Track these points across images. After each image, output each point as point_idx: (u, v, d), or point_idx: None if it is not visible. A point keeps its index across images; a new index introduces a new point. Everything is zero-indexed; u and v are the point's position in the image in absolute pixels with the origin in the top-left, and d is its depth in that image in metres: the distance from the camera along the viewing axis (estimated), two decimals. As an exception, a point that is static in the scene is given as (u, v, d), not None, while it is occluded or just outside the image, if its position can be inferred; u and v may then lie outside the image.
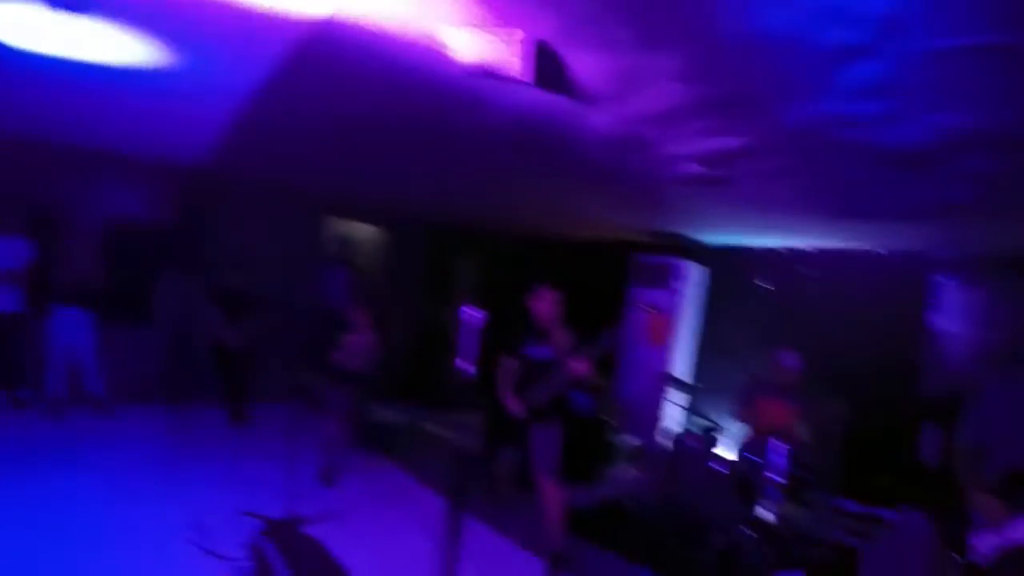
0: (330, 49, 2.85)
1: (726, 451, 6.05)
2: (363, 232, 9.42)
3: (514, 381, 4.66)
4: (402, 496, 5.43)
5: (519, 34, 2.41)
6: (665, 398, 6.20)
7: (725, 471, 5.13)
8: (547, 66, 2.61)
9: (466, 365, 2.29)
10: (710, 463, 5.37)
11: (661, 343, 7.42)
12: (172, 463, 5.19)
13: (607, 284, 8.12)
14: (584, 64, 2.64)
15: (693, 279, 7.64)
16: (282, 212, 7.51)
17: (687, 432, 6.38)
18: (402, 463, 6.25)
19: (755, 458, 5.21)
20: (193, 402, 6.65)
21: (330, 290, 7.93)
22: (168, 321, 6.65)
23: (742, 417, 5.87)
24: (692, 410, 6.55)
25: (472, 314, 2.43)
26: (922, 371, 6.27)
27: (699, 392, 7.45)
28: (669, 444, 6.10)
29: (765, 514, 5.46)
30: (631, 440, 7.12)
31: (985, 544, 3.07)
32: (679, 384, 6.03)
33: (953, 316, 6.22)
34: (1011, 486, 3.03)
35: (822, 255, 6.92)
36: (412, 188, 5.84)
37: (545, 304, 4.45)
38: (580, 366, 4.20)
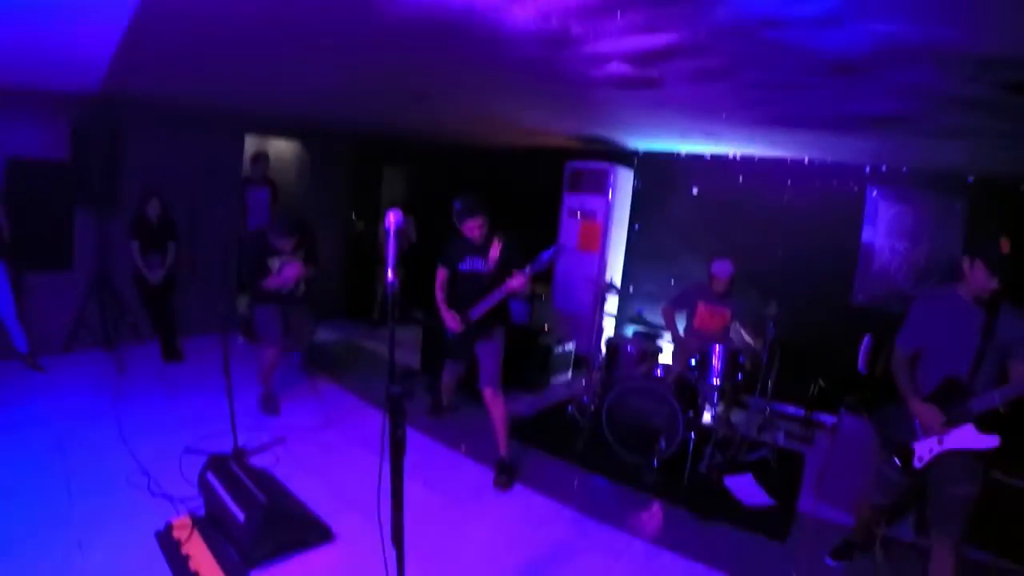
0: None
1: (664, 356, 6.20)
2: (282, 148, 8.96)
3: (449, 294, 4.64)
4: (347, 416, 5.38)
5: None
6: (601, 304, 6.23)
7: (664, 376, 5.15)
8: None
9: (391, 277, 2.24)
10: (649, 368, 5.40)
11: (594, 249, 7.45)
12: (110, 409, 4.93)
13: (539, 191, 8.07)
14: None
15: (624, 185, 7.62)
16: (194, 135, 6.96)
17: (624, 337, 6.44)
18: (344, 383, 6.18)
19: (693, 363, 5.32)
20: (123, 344, 6.31)
21: (253, 211, 7.64)
22: (87, 262, 6.28)
23: (669, 315, 5.98)
24: (628, 315, 6.66)
25: (393, 218, 2.35)
26: (854, 280, 6.51)
27: (634, 297, 7.60)
28: (607, 350, 6.14)
29: (707, 419, 5.64)
30: (570, 347, 7.18)
31: (923, 449, 3.25)
32: (614, 290, 6.07)
33: (884, 228, 6.43)
34: (946, 393, 3.19)
35: (754, 162, 6.97)
36: (330, 97, 5.54)
37: (474, 228, 4.34)
38: (517, 283, 4.18)
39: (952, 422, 3.13)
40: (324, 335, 7.24)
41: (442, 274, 4.66)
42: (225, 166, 7.42)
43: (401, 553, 2.53)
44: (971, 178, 5.90)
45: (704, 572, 3.78)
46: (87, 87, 5.23)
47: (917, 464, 3.27)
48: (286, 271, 4.97)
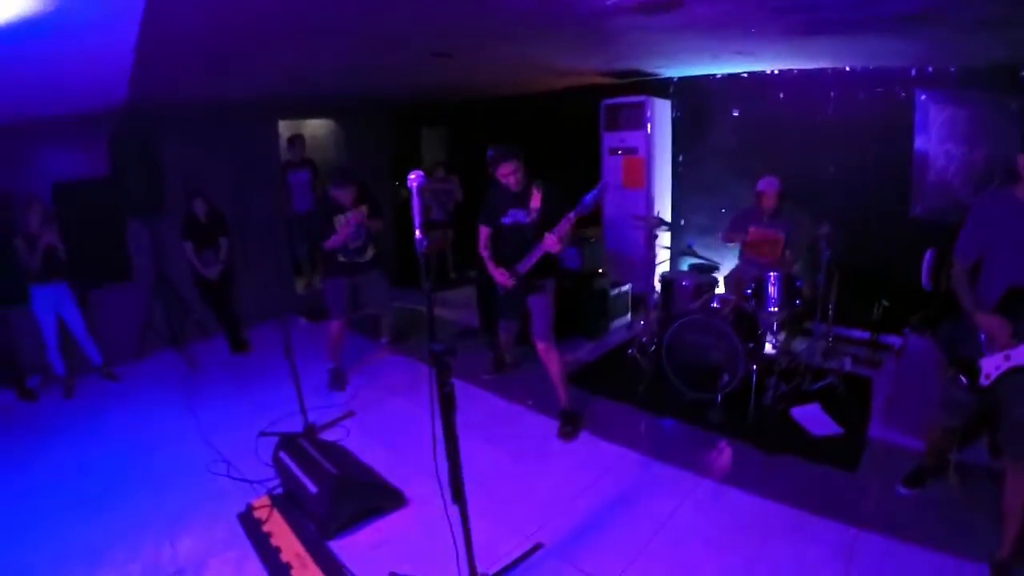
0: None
1: (720, 288, 6.09)
2: (317, 128, 9.03)
3: (495, 251, 4.58)
4: (412, 383, 5.51)
5: None
6: (652, 241, 6.16)
7: (721, 308, 5.05)
8: None
9: (419, 235, 2.24)
10: (705, 301, 5.32)
11: (639, 186, 7.31)
12: (185, 405, 5.22)
13: (578, 132, 7.92)
14: None
15: (662, 116, 7.42)
16: (228, 128, 7.07)
17: (678, 272, 6.35)
18: (405, 350, 6.30)
19: (749, 292, 5.22)
20: (191, 342, 6.60)
21: (296, 194, 7.73)
22: (145, 269, 6.46)
23: (729, 237, 5.89)
24: (680, 250, 6.56)
25: (413, 178, 2.34)
26: (911, 192, 6.25)
27: (685, 231, 7.49)
28: (661, 287, 6.08)
29: (769, 349, 5.56)
30: (626, 289, 7.12)
31: (990, 366, 3.13)
32: (664, 225, 5.98)
33: (937, 134, 6.10)
34: (1011, 303, 3.01)
35: (793, 76, 6.66)
36: (354, 70, 5.52)
37: (509, 174, 4.26)
38: (551, 244, 4.09)
39: (1020, 335, 2.93)
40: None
41: (484, 232, 4.59)
42: (263, 154, 7.54)
43: (464, 511, 2.63)
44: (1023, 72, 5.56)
45: (773, 508, 3.76)
46: (114, 101, 5.34)
47: (984, 382, 3.06)
48: (350, 219, 5.04)
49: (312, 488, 3.29)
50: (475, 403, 5.04)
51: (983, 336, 3.10)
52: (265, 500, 3.51)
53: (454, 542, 2.72)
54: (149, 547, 3.31)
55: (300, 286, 8.08)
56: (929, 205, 6.07)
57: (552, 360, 4.57)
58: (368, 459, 3.94)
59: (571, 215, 4.00)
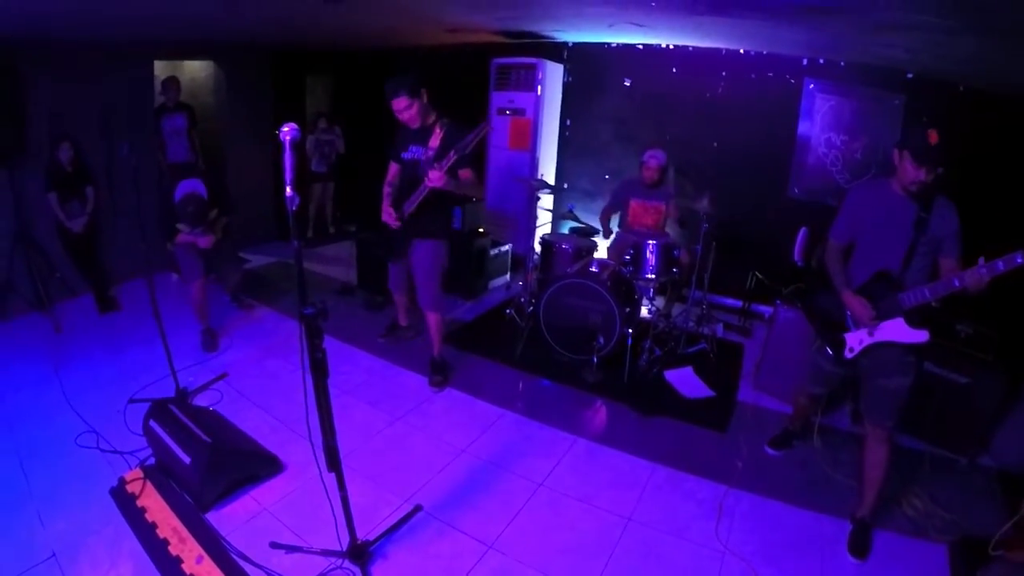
0: None
1: (599, 252, 6.22)
2: (195, 69, 8.43)
3: (396, 188, 4.53)
4: (288, 342, 5.32)
5: None
6: (534, 203, 6.19)
7: (599, 272, 5.17)
8: None
9: (290, 192, 2.12)
10: (584, 265, 5.43)
11: (525, 147, 7.34)
12: (51, 372, 4.74)
13: (467, 90, 7.81)
14: None
15: (554, 79, 7.43)
16: (99, 68, 6.35)
17: (559, 235, 6.45)
18: (282, 308, 6.08)
19: (628, 257, 5.35)
20: (57, 302, 5.91)
21: (170, 140, 7.22)
22: (4, 222, 5.81)
23: (605, 217, 6.00)
24: (561, 212, 6.63)
25: (286, 131, 2.21)
26: (790, 173, 6.53)
27: (569, 194, 7.56)
28: (541, 249, 6.15)
29: (645, 314, 5.72)
30: (506, 249, 7.19)
31: (854, 340, 3.35)
32: (547, 187, 6.00)
33: (821, 122, 6.41)
34: (877, 286, 3.23)
35: (688, 53, 6.83)
36: (235, 9, 5.20)
37: (401, 110, 4.15)
38: (434, 178, 4.01)
39: (882, 315, 3.19)
40: (258, 260, 7.08)
41: (392, 168, 4.55)
42: (136, 97, 6.90)
43: (341, 478, 2.63)
44: (911, 74, 5.88)
45: (646, 466, 3.96)
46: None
47: (848, 355, 3.37)
48: (199, 241, 4.81)
49: (185, 458, 3.15)
50: (359, 365, 4.98)
51: (849, 313, 3.34)
52: (137, 473, 3.33)
53: (332, 510, 2.71)
54: (20, 529, 3.05)
55: (171, 242, 7.64)
56: (806, 187, 6.48)
57: (432, 321, 4.66)
58: (243, 424, 3.82)
59: (452, 153, 3.96)
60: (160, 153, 7.08)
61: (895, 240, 3.17)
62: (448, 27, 6.68)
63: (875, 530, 3.51)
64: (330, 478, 2.62)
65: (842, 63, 6.16)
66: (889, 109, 6.04)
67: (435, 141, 4.21)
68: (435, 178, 4.00)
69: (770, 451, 4.25)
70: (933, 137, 2.93)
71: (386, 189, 4.58)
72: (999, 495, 3.86)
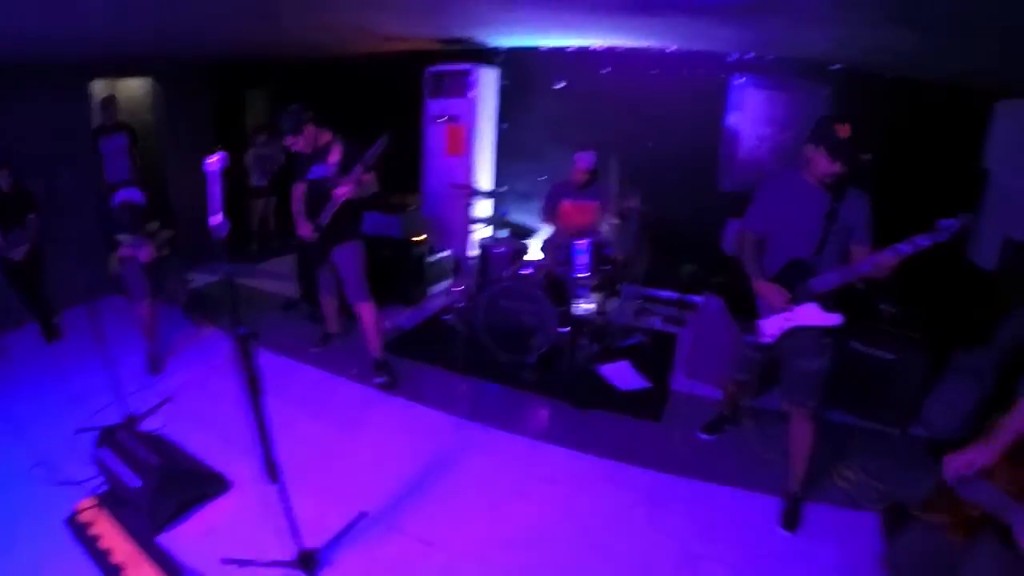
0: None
1: (534, 254, 6.41)
2: (133, 88, 8.31)
3: (305, 205, 4.84)
4: (229, 362, 5.32)
5: None
6: (470, 209, 6.36)
7: (533, 274, 5.35)
8: None
9: (216, 219, 2.23)
10: (518, 268, 5.61)
11: (460, 152, 7.49)
12: None
13: (404, 98, 7.91)
14: None
15: (488, 85, 7.57)
16: (34, 91, 6.33)
17: (494, 239, 6.60)
18: (224, 326, 6.02)
19: (562, 257, 5.52)
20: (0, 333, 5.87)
21: (110, 161, 7.09)
22: None
23: (546, 218, 6.14)
24: (497, 217, 6.78)
25: (213, 161, 2.33)
26: (720, 168, 6.78)
27: (507, 197, 7.72)
28: (479, 253, 6.29)
29: (580, 311, 5.90)
30: (445, 255, 7.35)
31: (771, 326, 3.54)
32: (481, 193, 6.17)
33: (750, 116, 6.65)
34: (790, 273, 3.42)
35: (618, 53, 7.03)
36: (174, 26, 5.22)
37: (294, 143, 4.60)
38: (343, 191, 4.44)
39: (796, 301, 3.36)
40: (202, 278, 7.02)
41: (298, 188, 4.91)
42: (74, 119, 6.88)
43: (282, 486, 2.74)
44: (836, 66, 6.18)
45: (585, 460, 4.16)
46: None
47: (766, 340, 3.55)
48: (139, 254, 4.90)
49: (135, 482, 3.26)
50: (298, 377, 5.08)
51: (764, 302, 3.52)
52: (90, 501, 3.39)
53: (278, 521, 2.83)
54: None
55: (113, 263, 7.53)
56: (737, 180, 6.75)
57: (367, 313, 4.86)
58: (190, 445, 3.90)
59: (356, 168, 4.37)
60: (100, 174, 7.02)
61: (807, 229, 3.31)
62: (385, 37, 6.79)
63: (807, 503, 3.74)
64: (274, 490, 2.73)
65: (769, 57, 6.43)
66: (816, 100, 6.33)
67: (334, 157, 4.62)
68: (344, 191, 4.45)
69: (703, 436, 4.48)
70: (845, 131, 3.09)
71: (295, 208, 4.94)
72: (930, 463, 4.12)
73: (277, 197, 8.56)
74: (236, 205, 8.52)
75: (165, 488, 3.24)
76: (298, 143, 4.59)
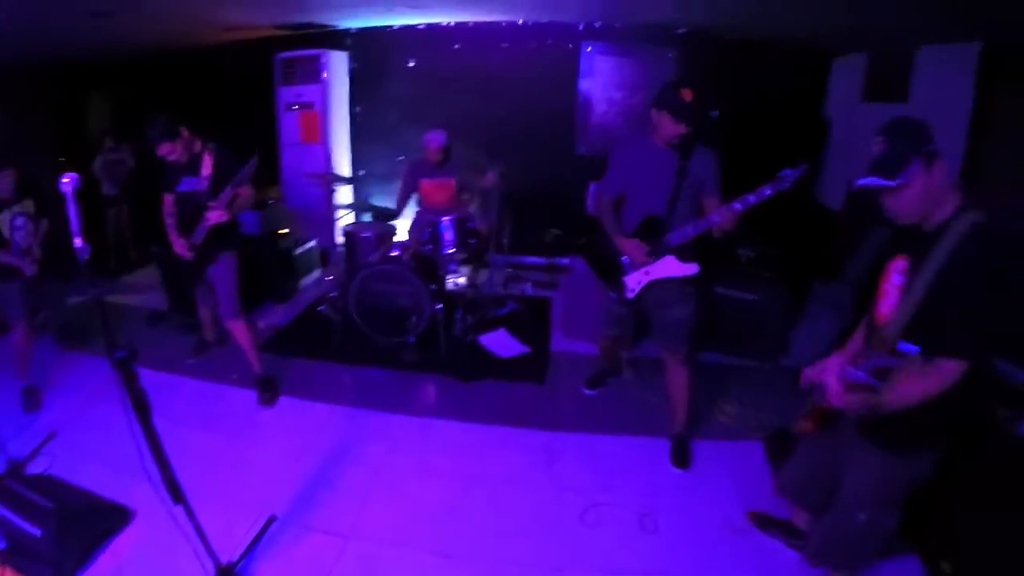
0: None
1: (400, 236, 6.50)
2: None
3: (176, 219, 4.58)
4: (111, 385, 4.94)
5: None
6: (332, 196, 6.37)
7: (401, 255, 5.44)
8: None
9: (79, 243, 2.20)
10: (385, 251, 5.67)
11: (316, 140, 7.46)
12: None
13: (254, 88, 7.77)
14: None
15: (339, 68, 7.54)
16: None
17: (360, 224, 6.63)
18: (97, 349, 5.58)
19: (428, 235, 5.65)
20: None
21: None
22: None
23: (404, 198, 6.26)
24: (361, 201, 6.81)
25: (67, 182, 2.29)
26: (576, 133, 7.09)
27: (366, 181, 7.74)
28: (345, 241, 6.32)
29: (452, 286, 6.07)
30: (312, 245, 7.30)
31: (633, 281, 3.85)
32: (342, 179, 6.17)
33: (601, 82, 6.93)
34: (647, 229, 3.71)
35: (468, 28, 7.15)
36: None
37: (168, 153, 4.29)
38: (215, 216, 4.24)
39: (655, 255, 3.67)
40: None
41: (168, 200, 4.61)
42: None
43: (188, 508, 2.74)
44: (681, 30, 6.58)
45: (478, 429, 4.41)
46: None
47: (629, 295, 3.87)
48: (16, 220, 4.51)
49: (35, 531, 3.15)
50: (180, 391, 4.94)
51: (625, 258, 3.81)
52: None
53: (189, 541, 2.84)
54: None
55: None
56: (592, 144, 7.12)
57: (239, 331, 4.73)
58: (83, 480, 3.74)
59: (228, 189, 4.20)
60: None
61: (659, 187, 3.59)
62: (226, 27, 6.62)
63: (694, 441, 4.15)
64: (179, 511, 2.72)
65: (616, 25, 6.74)
66: (664, 63, 6.74)
67: (206, 169, 4.37)
68: (215, 216, 4.24)
69: (587, 391, 4.82)
70: (688, 96, 3.37)
71: (168, 221, 4.63)
72: (800, 390, 4.58)
73: (130, 205, 8.09)
74: (89, 217, 8.07)
75: (66, 531, 3.16)
76: (175, 151, 4.27)
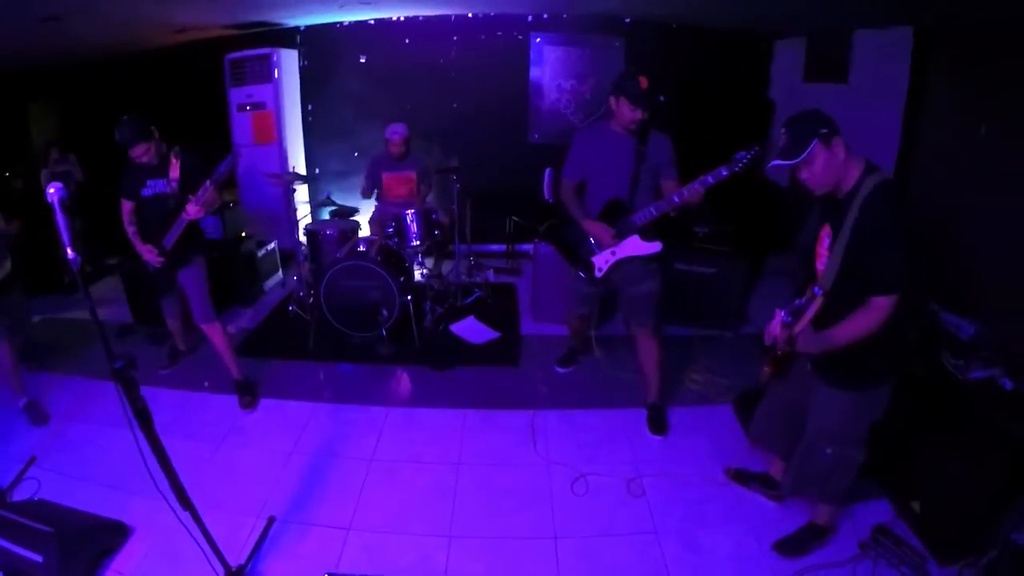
0: None
1: (363, 231, 6.57)
2: None
3: (140, 226, 4.51)
4: (82, 401, 4.92)
5: None
6: (291, 195, 6.34)
7: (367, 250, 5.48)
8: None
9: (72, 254, 2.20)
10: (351, 246, 5.68)
11: (271, 140, 7.41)
12: None
13: (204, 90, 7.65)
14: None
15: (290, 67, 7.49)
16: None
17: (321, 222, 6.65)
18: (61, 368, 5.47)
19: (391, 230, 5.72)
20: None
21: None
22: None
23: (368, 193, 6.33)
24: (319, 200, 6.82)
25: (52, 192, 2.29)
26: (528, 122, 7.24)
27: (322, 179, 7.73)
28: (308, 240, 6.34)
29: (419, 278, 6.14)
30: (273, 247, 7.26)
31: (600, 261, 4.03)
32: (299, 178, 6.17)
33: (551, 71, 7.06)
34: (611, 212, 3.89)
35: (418, 23, 7.20)
36: None
37: (143, 154, 4.21)
38: (193, 211, 4.18)
39: (619, 235, 3.85)
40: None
41: (127, 207, 4.51)
42: None
43: (196, 514, 2.74)
44: (628, 19, 6.75)
45: (458, 414, 4.55)
46: None
47: (598, 274, 4.06)
48: None
49: (37, 558, 3.10)
50: (156, 403, 4.71)
51: (591, 240, 3.97)
52: None
53: (200, 547, 2.84)
54: None
55: None
56: (544, 131, 7.29)
57: (216, 335, 4.73)
58: (75, 501, 3.69)
59: (208, 184, 4.13)
60: None
61: (620, 172, 3.82)
62: (176, 28, 6.51)
63: (668, 409, 4.39)
64: (186, 517, 2.70)
65: (564, 15, 6.88)
66: (611, 52, 6.92)
67: (174, 172, 4.32)
68: (194, 212, 4.18)
69: (560, 370, 5.00)
70: (644, 83, 3.53)
71: (130, 229, 4.53)
72: (762, 354, 4.78)
73: (81, 217, 7.81)
74: (39, 235, 7.71)
75: (68, 554, 3.12)
76: (149, 151, 4.18)
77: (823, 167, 2.48)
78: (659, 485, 3.75)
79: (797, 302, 2.54)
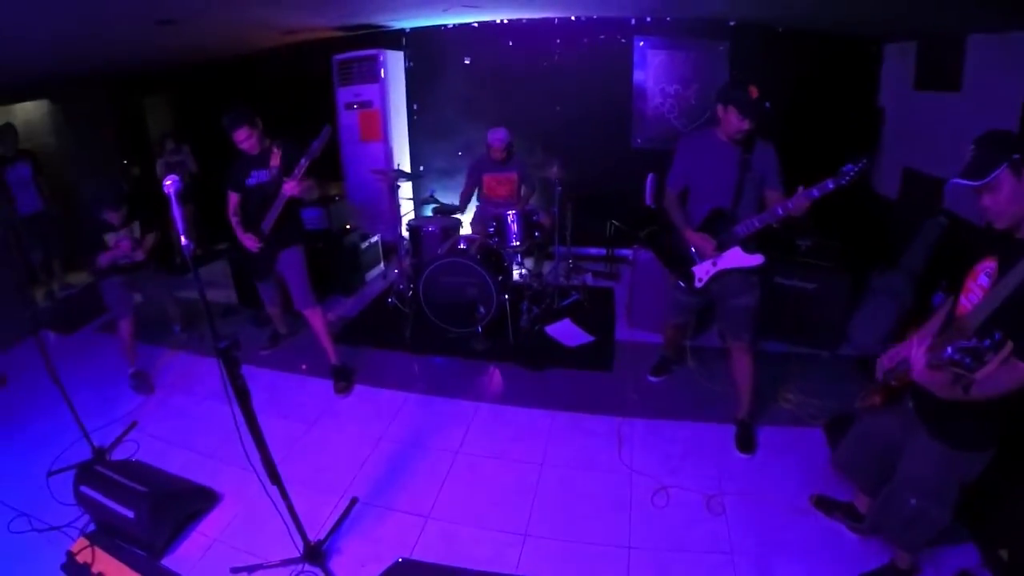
0: None
1: (464, 229, 6.58)
2: (29, 112, 7.91)
3: (243, 215, 4.72)
4: (186, 375, 5.26)
5: None
6: (395, 191, 6.42)
7: (467, 248, 5.48)
8: None
9: (185, 241, 2.30)
10: (452, 244, 5.70)
11: (377, 138, 7.53)
12: None
13: (312, 89, 7.89)
14: None
15: (396, 67, 7.61)
16: None
17: (423, 219, 6.70)
18: (168, 342, 5.88)
19: (493, 229, 5.73)
20: None
21: (18, 192, 6.67)
22: None
23: (469, 194, 6.33)
24: (422, 197, 6.90)
25: (168, 184, 2.40)
26: (632, 126, 7.09)
27: (426, 176, 7.82)
28: (410, 235, 6.43)
29: (518, 278, 6.11)
30: (376, 240, 7.40)
31: (701, 271, 3.88)
32: (404, 175, 6.27)
33: (654, 75, 6.92)
34: (714, 222, 3.75)
35: (522, 25, 7.17)
36: (73, 43, 5.09)
37: (244, 139, 4.41)
38: (290, 188, 4.32)
39: (721, 247, 3.71)
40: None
41: (233, 198, 4.72)
42: None
43: (283, 489, 2.83)
44: (732, 22, 6.53)
45: (546, 415, 4.44)
46: None
47: (698, 285, 3.91)
48: (121, 242, 4.79)
49: (128, 513, 3.23)
50: (257, 382, 4.81)
51: (692, 249, 3.84)
52: (83, 542, 3.32)
53: (283, 519, 2.92)
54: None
55: (40, 297, 7.23)
56: (648, 136, 7.12)
57: (316, 319, 4.85)
58: (168, 466, 3.89)
59: (303, 161, 4.27)
60: (9, 207, 6.62)
61: (724, 181, 3.65)
62: (284, 30, 6.73)
63: (757, 427, 4.13)
64: (272, 491, 2.80)
65: (668, 19, 6.71)
66: (715, 56, 6.69)
67: (275, 161, 4.47)
68: (290, 188, 4.32)
69: (652, 379, 4.82)
70: (754, 92, 3.38)
71: (233, 220, 4.74)
72: (860, 377, 4.49)
73: (194, 204, 8.19)
74: (155, 219, 8.23)
75: (159, 512, 3.24)
76: (252, 136, 4.39)
77: (1009, 197, 2.15)
78: (740, 505, 3.55)
79: (963, 342, 2.02)
